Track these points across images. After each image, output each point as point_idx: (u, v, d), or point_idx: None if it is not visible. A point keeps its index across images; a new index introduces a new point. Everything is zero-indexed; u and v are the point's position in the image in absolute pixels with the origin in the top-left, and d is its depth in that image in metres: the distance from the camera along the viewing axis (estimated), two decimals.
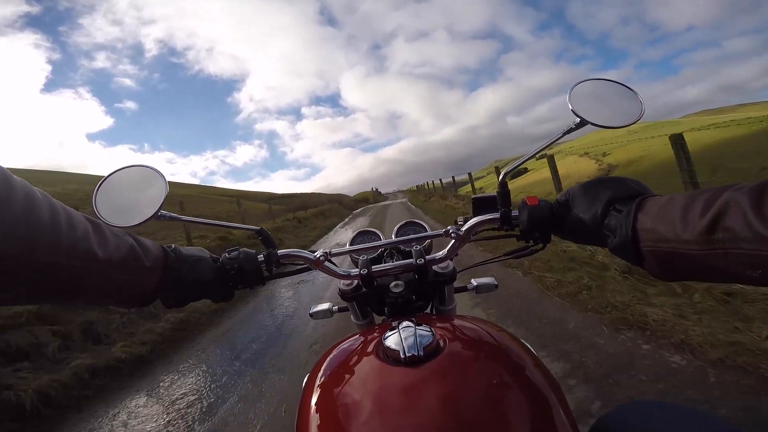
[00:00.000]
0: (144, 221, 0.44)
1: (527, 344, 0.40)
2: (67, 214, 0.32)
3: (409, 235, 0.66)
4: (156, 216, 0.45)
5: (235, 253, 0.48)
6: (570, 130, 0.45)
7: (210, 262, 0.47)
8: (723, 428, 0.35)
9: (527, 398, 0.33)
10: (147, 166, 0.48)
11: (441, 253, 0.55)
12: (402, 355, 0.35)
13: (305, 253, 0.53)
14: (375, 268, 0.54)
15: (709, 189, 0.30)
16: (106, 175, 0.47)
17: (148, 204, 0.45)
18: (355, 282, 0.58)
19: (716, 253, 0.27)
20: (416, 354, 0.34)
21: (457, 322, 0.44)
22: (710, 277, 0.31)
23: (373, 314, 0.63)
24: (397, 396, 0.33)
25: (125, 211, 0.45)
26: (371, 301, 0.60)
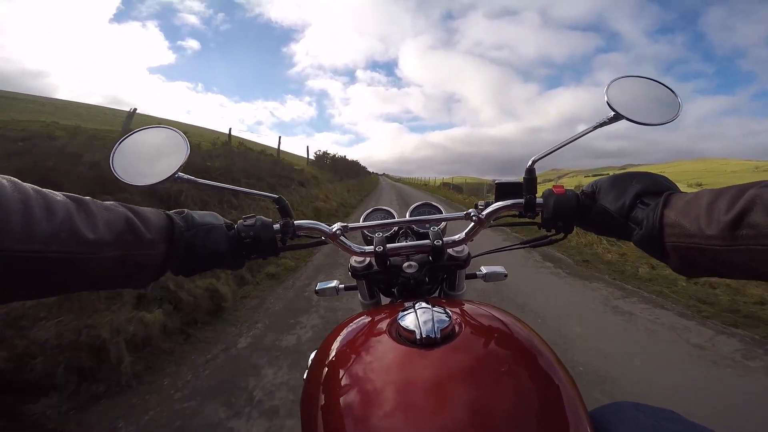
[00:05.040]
0: (159, 182, 0.46)
1: (539, 333, 0.42)
2: (42, 197, 0.31)
3: (424, 216, 0.68)
4: (173, 177, 0.46)
5: (252, 220, 0.49)
6: (603, 124, 0.48)
7: (224, 230, 0.47)
8: (700, 431, 0.36)
9: (542, 386, 0.35)
10: (170, 128, 0.50)
11: (458, 235, 0.57)
12: (418, 337, 0.37)
13: (322, 225, 0.55)
14: (390, 246, 0.57)
15: (735, 186, 0.32)
16: (128, 133, 0.49)
17: (167, 165, 0.47)
18: (367, 260, 0.60)
19: (739, 249, 0.30)
20: (433, 336, 0.36)
21: (469, 307, 0.46)
22: (732, 273, 0.33)
23: (380, 295, 0.66)
24: (412, 377, 0.34)
25: (143, 170, 0.47)
26: (381, 280, 0.63)
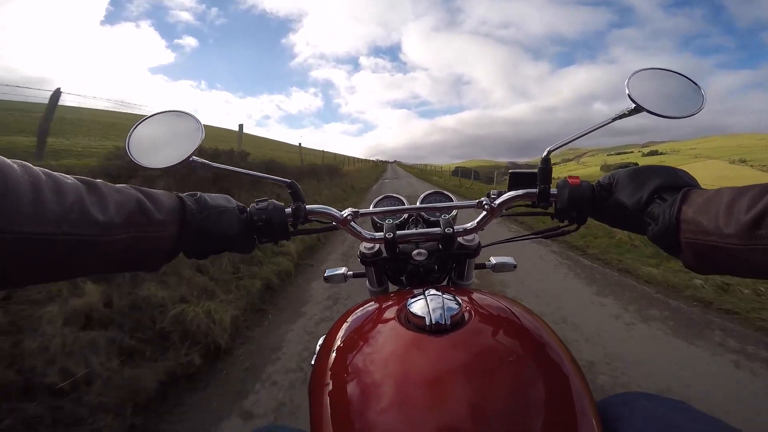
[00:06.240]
0: (174, 165, 0.47)
1: (547, 322, 0.43)
2: (53, 180, 0.31)
3: (434, 203, 0.68)
4: (187, 161, 0.47)
5: (264, 204, 0.51)
6: (623, 116, 0.48)
7: (237, 214, 0.48)
8: (710, 422, 0.37)
9: (549, 375, 0.36)
10: (186, 113, 0.51)
11: (470, 224, 0.57)
12: (427, 323, 0.37)
13: (333, 210, 0.56)
14: (400, 233, 0.57)
15: (758, 185, 0.32)
16: (144, 117, 0.51)
17: (181, 149, 0.48)
18: (377, 247, 0.61)
19: (757, 249, 0.30)
20: (442, 323, 0.37)
21: (479, 296, 0.46)
22: (748, 272, 0.33)
23: (389, 282, 0.66)
24: (420, 363, 0.35)
25: (158, 153, 0.49)
26: (389, 267, 0.64)
